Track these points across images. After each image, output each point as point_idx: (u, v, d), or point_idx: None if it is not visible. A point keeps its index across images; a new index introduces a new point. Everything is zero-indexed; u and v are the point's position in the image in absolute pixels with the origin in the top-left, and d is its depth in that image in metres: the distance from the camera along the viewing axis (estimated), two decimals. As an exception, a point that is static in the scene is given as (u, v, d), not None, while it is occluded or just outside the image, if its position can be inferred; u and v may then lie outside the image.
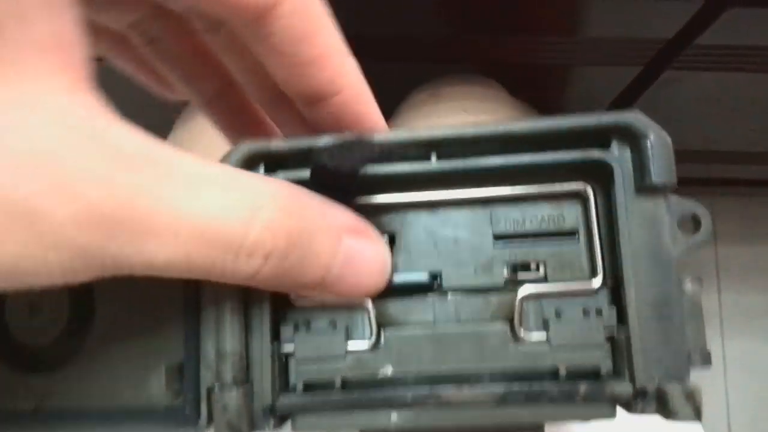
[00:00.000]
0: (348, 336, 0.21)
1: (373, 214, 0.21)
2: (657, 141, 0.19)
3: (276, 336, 0.21)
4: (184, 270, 0.16)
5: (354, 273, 0.19)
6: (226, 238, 0.16)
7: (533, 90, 0.57)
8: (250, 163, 0.21)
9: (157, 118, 0.34)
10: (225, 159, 0.20)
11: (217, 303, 0.20)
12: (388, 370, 0.20)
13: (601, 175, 0.20)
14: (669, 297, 0.19)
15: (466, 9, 0.49)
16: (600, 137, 0.20)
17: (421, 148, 0.21)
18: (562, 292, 0.21)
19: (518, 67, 0.54)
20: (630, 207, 0.20)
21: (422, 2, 0.47)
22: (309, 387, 0.21)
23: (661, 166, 0.19)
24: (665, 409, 0.19)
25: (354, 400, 0.20)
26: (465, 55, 0.54)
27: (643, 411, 0.19)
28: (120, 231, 0.15)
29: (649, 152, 0.19)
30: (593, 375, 0.20)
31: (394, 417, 0.20)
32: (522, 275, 0.21)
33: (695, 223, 0.20)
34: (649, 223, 0.20)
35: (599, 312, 0.20)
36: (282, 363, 0.21)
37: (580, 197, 0.21)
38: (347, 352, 0.20)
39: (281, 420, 0.21)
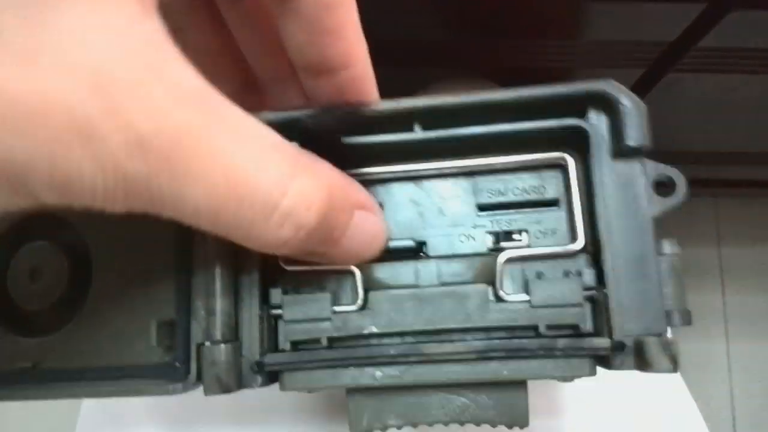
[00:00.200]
0: (335, 299, 0.21)
1: (363, 186, 0.22)
2: (630, 106, 0.20)
3: (265, 299, 0.22)
4: (210, 222, 0.16)
5: (356, 244, 0.20)
6: (260, 199, 0.16)
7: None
8: None
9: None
10: None
11: (208, 264, 0.21)
12: (372, 329, 0.21)
13: (579, 143, 0.21)
14: (646, 257, 0.20)
15: (467, 12, 0.50)
16: (577, 105, 0.21)
17: (405, 117, 0.21)
18: (543, 255, 0.21)
19: (520, 70, 0.55)
20: (606, 171, 0.20)
21: (423, 6, 0.48)
22: (296, 346, 0.21)
23: (634, 130, 0.20)
24: (642, 362, 0.19)
25: (340, 358, 0.21)
26: (466, 59, 0.54)
27: (621, 366, 0.19)
28: (164, 168, 0.15)
29: (623, 117, 0.20)
30: (575, 334, 0.20)
31: (379, 373, 0.20)
32: (505, 244, 0.22)
33: (669, 184, 0.20)
34: (625, 186, 0.20)
35: (579, 273, 0.21)
36: (271, 325, 0.22)
37: (561, 167, 0.22)
38: (334, 314, 0.21)
39: (269, 378, 0.21)
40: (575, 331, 0.20)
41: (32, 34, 0.14)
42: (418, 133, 0.21)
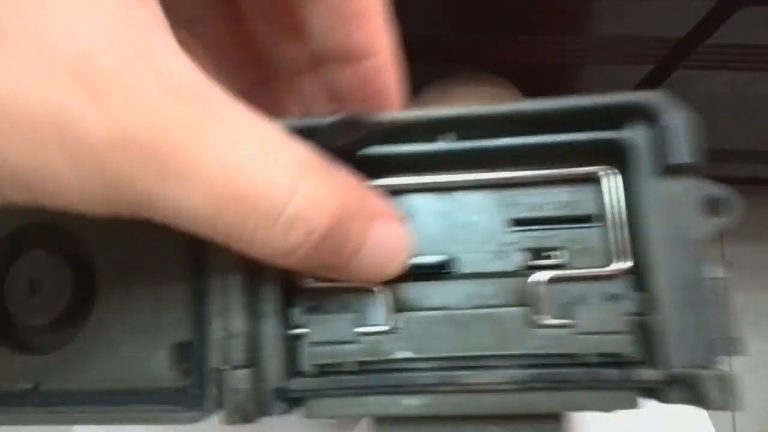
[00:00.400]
0: (361, 319, 0.20)
1: (386, 197, 0.21)
2: (678, 120, 0.19)
3: (285, 318, 0.20)
4: (209, 227, 0.15)
5: (377, 259, 0.18)
6: (264, 201, 0.15)
7: (543, 89, 0.56)
8: None
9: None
10: None
11: (226, 283, 0.20)
12: (403, 354, 0.20)
13: (620, 157, 0.20)
14: (695, 281, 0.19)
15: (476, 8, 0.48)
16: (619, 117, 0.20)
17: (431, 129, 0.20)
18: (583, 277, 0.20)
19: (528, 66, 0.54)
20: (651, 189, 0.19)
21: (432, 1, 0.47)
22: (321, 370, 0.20)
23: (681, 147, 0.19)
24: (697, 397, 0.18)
25: (369, 384, 0.19)
26: (475, 55, 0.53)
27: (673, 400, 0.18)
28: (150, 165, 0.13)
29: (669, 132, 0.19)
30: (616, 362, 0.19)
31: (411, 402, 0.19)
32: (539, 262, 0.21)
33: (718, 206, 0.19)
34: (670, 206, 0.19)
35: (621, 297, 0.19)
36: (292, 346, 0.20)
37: (599, 181, 0.20)
38: (361, 335, 0.20)
39: (291, 405, 0.20)
40: (620, 360, 0.19)
41: (9, 17, 0.12)
42: (444, 144, 0.20)
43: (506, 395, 0.19)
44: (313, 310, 0.21)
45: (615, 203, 0.20)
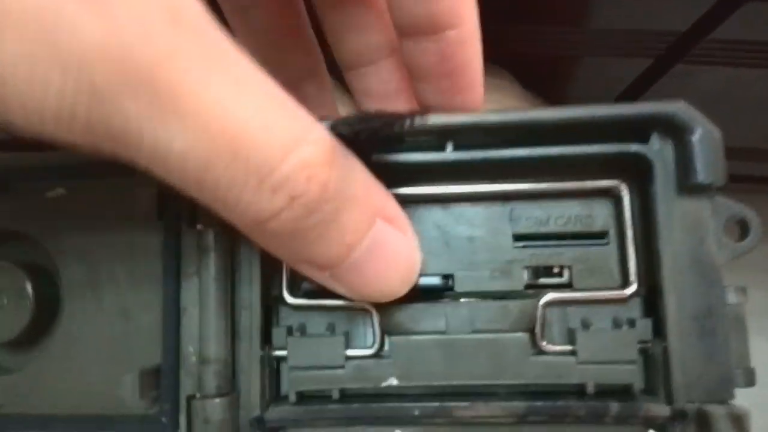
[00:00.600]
0: (348, 342, 0.18)
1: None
2: (704, 135, 0.17)
3: (267, 340, 0.19)
4: (196, 179, 0.13)
5: (377, 264, 0.16)
6: (258, 157, 0.13)
7: (540, 80, 0.54)
8: None
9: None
10: None
11: (202, 300, 0.18)
12: (392, 381, 0.18)
13: (637, 172, 0.18)
14: (712, 309, 0.17)
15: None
16: (638, 130, 0.18)
17: (438, 136, 0.18)
18: (590, 300, 0.18)
19: (526, 57, 0.52)
20: (670, 208, 0.18)
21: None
22: (303, 397, 0.18)
23: (707, 164, 0.17)
24: None
25: (354, 414, 0.18)
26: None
27: None
28: (144, 90, 0.12)
29: (695, 148, 0.17)
30: (624, 394, 0.18)
31: (399, 435, 0.18)
32: (544, 280, 0.19)
33: (742, 227, 0.18)
34: (691, 226, 0.18)
35: (632, 323, 0.18)
36: (273, 370, 0.19)
37: (613, 195, 0.19)
38: (347, 360, 0.18)
39: (271, 434, 0.18)
40: (626, 391, 0.18)
41: None
42: (450, 153, 0.18)
43: (504, 428, 0.17)
44: (296, 331, 0.19)
45: (630, 220, 0.18)
